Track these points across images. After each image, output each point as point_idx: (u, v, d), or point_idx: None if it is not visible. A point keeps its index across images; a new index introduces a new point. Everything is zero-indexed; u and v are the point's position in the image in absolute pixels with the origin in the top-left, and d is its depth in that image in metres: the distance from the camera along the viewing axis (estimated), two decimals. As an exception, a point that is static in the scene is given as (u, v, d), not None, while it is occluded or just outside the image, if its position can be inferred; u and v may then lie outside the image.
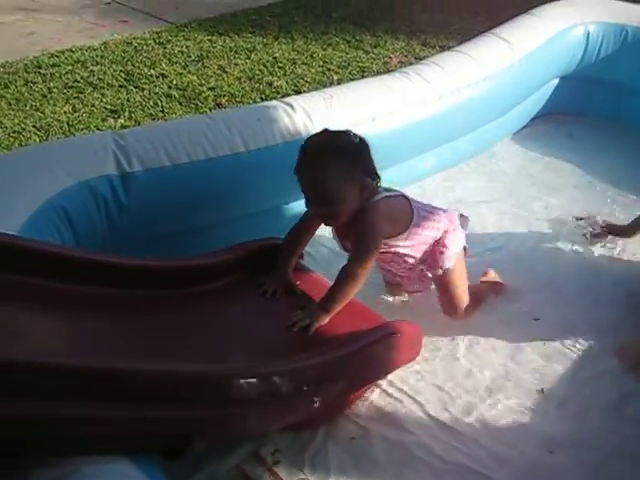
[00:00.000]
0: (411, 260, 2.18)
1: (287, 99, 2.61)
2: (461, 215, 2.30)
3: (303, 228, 2.13)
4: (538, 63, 3.22)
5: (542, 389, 2.11)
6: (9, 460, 1.32)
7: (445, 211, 2.25)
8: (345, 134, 1.99)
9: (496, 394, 2.10)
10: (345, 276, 1.95)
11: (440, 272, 2.20)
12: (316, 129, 2.47)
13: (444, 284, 2.25)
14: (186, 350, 1.72)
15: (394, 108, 2.72)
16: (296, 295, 2.03)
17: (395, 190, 2.15)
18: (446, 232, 2.19)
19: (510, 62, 3.09)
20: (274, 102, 2.59)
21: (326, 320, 1.90)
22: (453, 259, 2.20)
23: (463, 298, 2.27)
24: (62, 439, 1.37)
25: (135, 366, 1.45)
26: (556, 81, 3.53)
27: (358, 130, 2.56)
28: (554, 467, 1.90)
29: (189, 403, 1.47)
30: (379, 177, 2.04)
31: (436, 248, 2.18)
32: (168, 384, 1.44)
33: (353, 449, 1.94)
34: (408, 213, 2.12)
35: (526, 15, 3.43)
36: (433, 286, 2.31)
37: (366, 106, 2.66)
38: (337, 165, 1.89)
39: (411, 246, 2.14)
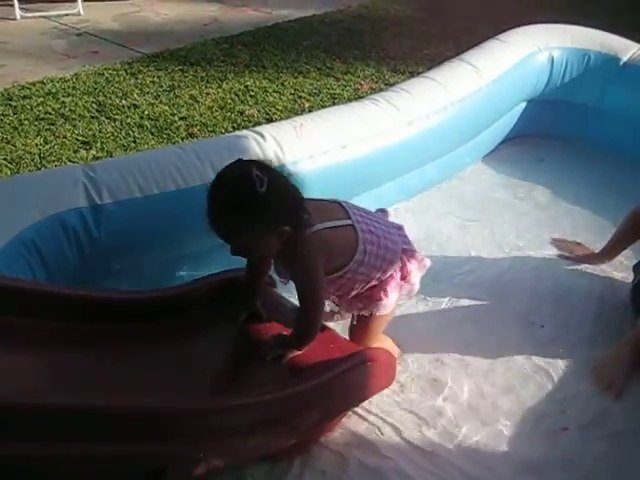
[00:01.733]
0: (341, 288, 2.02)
1: (257, 128, 2.63)
2: (422, 258, 2.10)
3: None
4: (505, 87, 3.29)
5: (518, 412, 2.12)
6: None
7: (405, 251, 2.05)
8: (248, 183, 1.64)
9: (472, 416, 2.10)
10: (304, 318, 1.87)
11: (368, 314, 2.06)
12: (287, 158, 2.52)
13: (364, 323, 2.10)
14: (156, 385, 1.71)
15: (364, 136, 2.75)
16: (262, 323, 1.98)
17: (345, 219, 1.93)
18: (392, 278, 2.02)
19: (478, 87, 3.15)
20: (245, 132, 2.61)
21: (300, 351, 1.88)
22: (389, 308, 2.05)
23: (374, 341, 2.12)
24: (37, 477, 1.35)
25: (101, 402, 1.44)
26: (523, 104, 3.59)
27: (328, 158, 2.63)
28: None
29: (160, 438, 1.46)
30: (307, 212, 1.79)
31: (376, 290, 2.02)
32: (139, 419, 1.42)
33: (330, 478, 1.92)
34: (349, 249, 1.92)
35: (492, 40, 3.51)
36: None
37: (336, 134, 2.68)
38: (240, 222, 1.68)
39: (344, 281, 1.97)
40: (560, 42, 3.53)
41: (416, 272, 2.07)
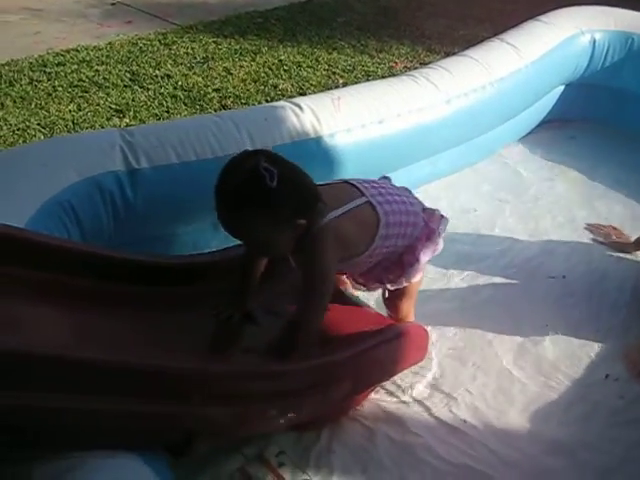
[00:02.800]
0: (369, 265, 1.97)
1: (295, 99, 2.61)
2: (441, 216, 2.05)
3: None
4: (545, 69, 3.22)
5: (547, 394, 2.10)
6: (15, 453, 1.31)
7: (424, 210, 2.02)
8: (257, 178, 1.57)
9: (501, 397, 2.09)
10: (307, 309, 1.75)
11: (403, 285, 2.01)
12: (324, 130, 2.49)
13: (398, 294, 2.07)
14: (188, 348, 1.71)
15: (401, 111, 2.71)
16: (256, 324, 1.87)
17: (360, 197, 1.85)
18: (419, 239, 1.96)
19: (517, 67, 3.09)
20: (282, 102, 2.59)
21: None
22: (421, 272, 2.01)
23: (409, 313, 2.13)
24: (67, 431, 1.35)
25: (142, 361, 1.44)
26: (561, 87, 3.53)
27: (365, 132, 2.61)
28: (560, 471, 1.89)
29: (193, 399, 1.46)
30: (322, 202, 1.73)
31: (406, 257, 1.96)
32: (172, 379, 1.42)
33: (357, 450, 1.93)
34: (370, 227, 1.85)
35: (533, 21, 3.44)
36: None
37: (373, 109, 2.65)
38: (254, 220, 1.61)
39: (373, 259, 1.92)
40: (603, 25, 3.45)
41: (438, 229, 2.01)
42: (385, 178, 2.10)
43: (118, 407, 1.37)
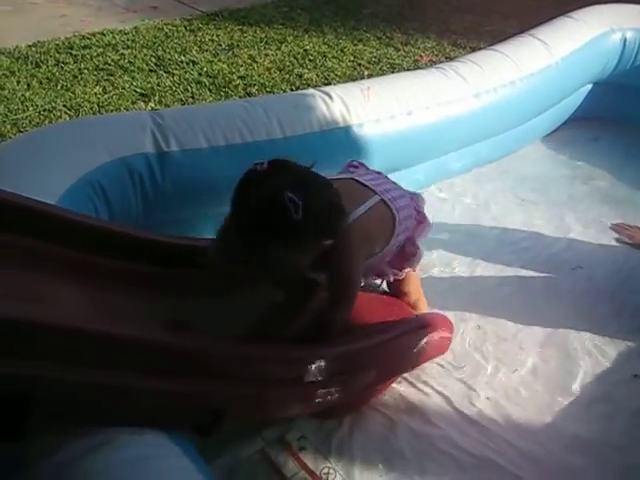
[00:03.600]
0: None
1: (325, 88, 2.60)
2: (418, 195, 2.01)
3: None
4: (574, 66, 3.20)
5: (570, 390, 2.09)
6: (47, 426, 1.31)
7: (411, 196, 1.96)
8: (282, 210, 1.45)
9: (523, 390, 2.08)
10: (331, 320, 1.70)
11: (404, 275, 1.99)
12: (353, 120, 2.49)
13: (402, 281, 2.03)
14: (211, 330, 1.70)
15: (430, 103, 2.70)
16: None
17: (373, 195, 1.80)
18: (415, 228, 1.95)
19: (547, 64, 3.07)
20: (312, 90, 2.59)
21: None
22: (421, 256, 1.98)
23: (420, 295, 2.12)
24: (97, 407, 1.36)
25: (172, 339, 1.44)
26: (589, 86, 3.50)
27: (393, 123, 2.60)
28: (580, 468, 1.88)
29: (224, 379, 1.46)
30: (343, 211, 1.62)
31: (407, 249, 1.94)
32: (203, 359, 1.43)
33: (378, 440, 1.93)
34: (387, 225, 1.82)
35: (563, 18, 3.41)
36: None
37: (403, 100, 2.64)
38: (271, 249, 1.50)
39: (386, 257, 1.90)
40: (635, 23, 3.41)
41: (423, 209, 1.99)
42: (361, 164, 2.05)
43: (148, 385, 1.37)
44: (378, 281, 2.09)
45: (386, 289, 2.14)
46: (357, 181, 1.85)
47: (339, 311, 1.70)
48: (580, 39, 3.25)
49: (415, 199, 1.96)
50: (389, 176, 2.01)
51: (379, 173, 1.98)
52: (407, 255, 1.95)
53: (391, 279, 2.01)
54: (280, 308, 1.70)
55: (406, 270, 1.99)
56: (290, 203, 1.44)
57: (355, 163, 2.01)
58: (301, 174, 1.56)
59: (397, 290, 2.09)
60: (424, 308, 2.16)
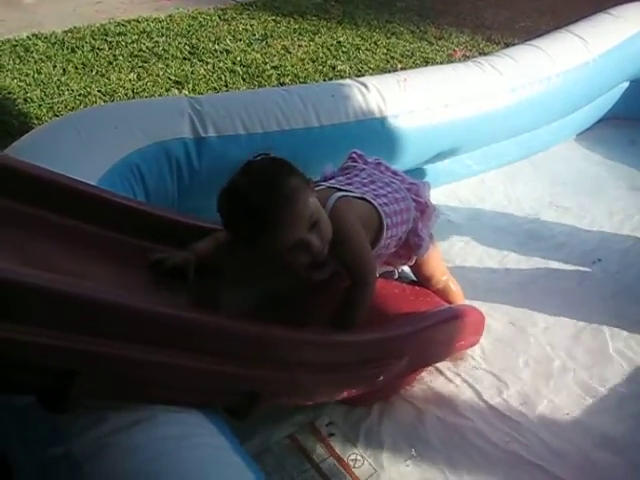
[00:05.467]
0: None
1: (361, 79, 2.61)
2: (423, 183, 1.97)
3: None
4: (612, 64, 3.17)
5: (601, 387, 2.08)
6: (89, 401, 1.34)
7: (409, 188, 1.91)
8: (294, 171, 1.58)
9: (554, 388, 2.07)
10: (356, 302, 1.71)
11: (413, 262, 1.98)
12: (389, 111, 2.49)
13: (420, 264, 2.01)
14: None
15: (466, 97, 2.70)
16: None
17: (354, 192, 1.78)
18: (416, 220, 1.90)
19: (584, 60, 3.05)
20: (348, 80, 2.60)
21: None
22: (429, 246, 1.94)
23: (441, 273, 2.07)
24: (135, 384, 1.37)
25: (208, 317, 1.45)
26: (626, 84, 3.47)
27: (429, 115, 2.60)
28: (609, 467, 1.87)
29: (257, 362, 1.48)
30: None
31: (411, 240, 1.91)
32: (245, 341, 1.45)
33: (407, 429, 1.94)
34: (376, 218, 1.78)
35: (602, 14, 3.38)
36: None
37: (439, 92, 2.64)
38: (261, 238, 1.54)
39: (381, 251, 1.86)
40: (675, 21, 3.37)
41: (428, 197, 1.95)
42: (359, 156, 1.99)
43: (188, 364, 1.39)
44: (393, 269, 2.04)
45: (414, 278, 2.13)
46: (332, 187, 1.80)
47: (360, 292, 1.71)
48: (619, 36, 3.22)
49: (414, 189, 1.92)
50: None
51: (378, 164, 1.95)
52: (411, 247, 1.92)
53: (399, 269, 2.01)
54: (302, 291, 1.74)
55: (415, 259, 1.96)
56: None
57: (354, 155, 1.98)
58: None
59: (419, 276, 2.07)
60: (455, 294, 2.12)
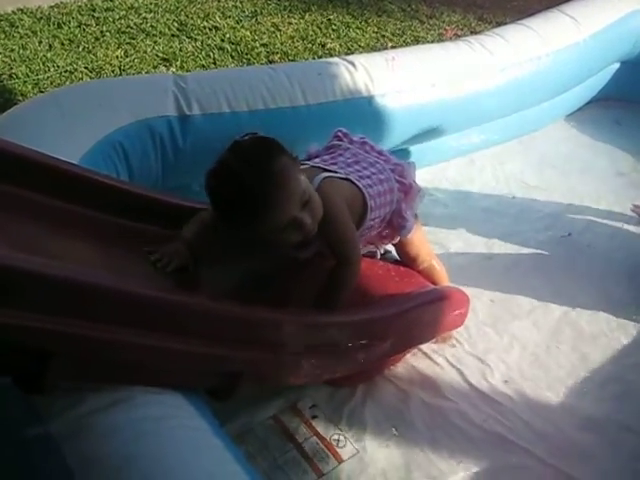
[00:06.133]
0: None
1: (349, 57, 2.58)
2: (408, 164, 1.94)
3: None
4: (603, 44, 3.15)
5: (584, 369, 2.09)
6: (66, 382, 1.33)
7: (393, 168, 1.88)
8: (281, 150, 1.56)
9: (537, 369, 2.08)
10: (341, 282, 1.71)
11: (396, 241, 1.97)
12: (376, 90, 2.47)
13: (404, 244, 2.00)
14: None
15: (455, 76, 2.68)
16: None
17: (338, 172, 1.76)
18: (399, 201, 1.87)
19: (575, 40, 3.02)
20: (336, 59, 2.56)
21: None
22: (412, 227, 1.91)
23: (426, 253, 2.05)
24: (113, 365, 1.36)
25: (188, 299, 1.44)
26: (617, 65, 3.45)
27: (416, 95, 2.57)
28: (592, 447, 1.89)
29: (240, 343, 1.47)
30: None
31: (395, 221, 1.88)
32: (228, 322, 1.44)
33: (390, 410, 1.94)
34: (360, 199, 1.76)
35: (594, -6, 3.35)
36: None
37: (427, 72, 2.62)
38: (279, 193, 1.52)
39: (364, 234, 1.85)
40: (667, 2, 3.35)
41: (413, 178, 1.92)
42: (344, 135, 1.96)
43: (163, 345, 1.37)
44: (376, 249, 2.02)
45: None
46: (320, 168, 1.78)
47: (344, 272, 1.70)
48: (610, 16, 3.19)
49: (399, 170, 1.89)
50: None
51: (364, 143, 1.92)
52: (395, 227, 1.90)
53: (381, 249, 1.99)
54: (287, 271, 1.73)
55: (399, 239, 1.95)
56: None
57: (339, 134, 1.95)
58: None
59: (403, 256, 2.05)
60: (440, 274, 2.10)
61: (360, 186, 1.76)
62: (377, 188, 1.80)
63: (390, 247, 2.05)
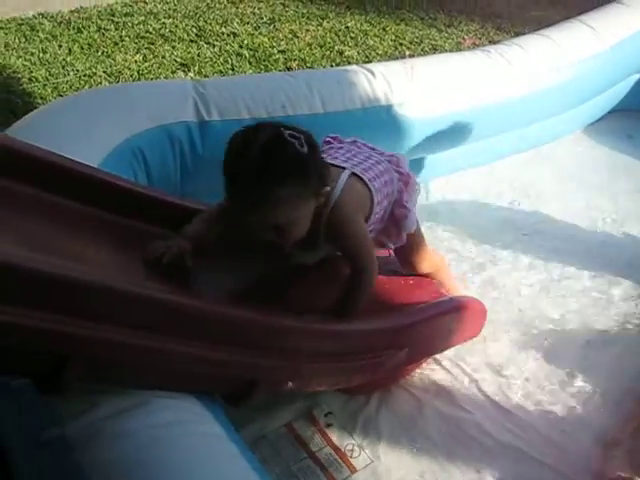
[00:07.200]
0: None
1: (368, 65, 2.58)
2: (403, 156, 1.92)
3: None
4: (623, 55, 3.13)
5: (599, 383, 2.06)
6: (82, 384, 1.33)
7: (389, 160, 1.86)
8: (288, 145, 1.45)
9: (554, 381, 2.06)
10: (357, 289, 1.68)
11: (404, 240, 1.89)
12: (396, 98, 2.46)
13: (405, 250, 1.96)
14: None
15: (474, 87, 2.67)
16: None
17: (342, 170, 1.70)
18: (400, 191, 1.84)
19: (595, 51, 3.00)
20: (355, 67, 2.56)
21: None
22: (415, 218, 1.88)
23: (428, 257, 2.01)
24: (128, 369, 1.36)
25: (205, 304, 1.44)
26: (637, 76, 3.42)
27: (435, 104, 2.57)
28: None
29: (262, 350, 1.46)
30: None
31: (397, 211, 1.83)
32: (245, 328, 1.43)
33: (405, 419, 1.93)
34: (368, 196, 1.72)
35: (615, 4, 3.33)
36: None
37: (446, 81, 2.61)
38: (286, 193, 1.45)
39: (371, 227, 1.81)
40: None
41: (408, 169, 1.89)
42: (334, 138, 1.93)
43: (184, 350, 1.37)
44: (389, 254, 2.01)
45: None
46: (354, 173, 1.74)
47: (360, 280, 1.68)
48: (631, 27, 3.17)
49: (395, 161, 1.86)
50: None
51: (354, 142, 1.89)
52: (397, 219, 1.85)
53: (392, 247, 1.94)
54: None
55: (404, 235, 1.89)
56: (292, 138, 1.44)
57: (328, 139, 1.92)
58: (282, 124, 1.53)
59: (406, 264, 2.00)
60: (449, 283, 2.09)
61: (366, 180, 1.72)
62: (379, 180, 1.76)
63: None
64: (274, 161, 1.43)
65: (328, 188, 1.56)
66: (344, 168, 1.71)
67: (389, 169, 1.82)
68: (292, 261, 1.71)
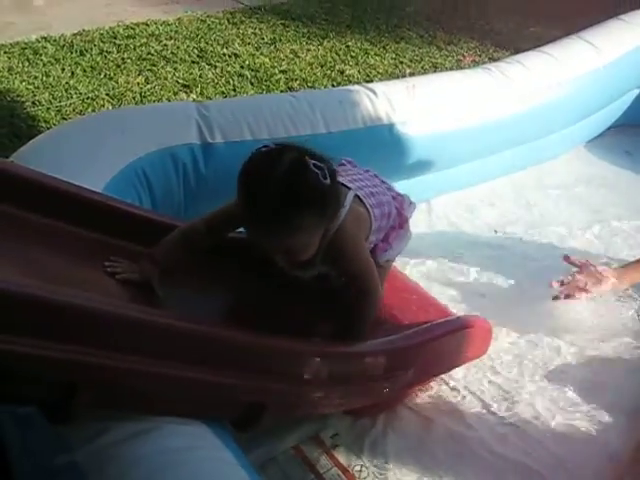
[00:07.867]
0: None
1: (370, 85, 2.60)
2: (410, 202, 1.92)
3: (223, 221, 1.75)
4: (623, 70, 3.15)
5: (610, 401, 2.05)
6: (91, 411, 1.33)
7: (394, 197, 1.86)
8: (312, 177, 1.44)
9: (562, 399, 2.04)
10: (363, 313, 1.70)
11: None
12: (397, 117, 2.47)
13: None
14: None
15: (475, 105, 2.69)
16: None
17: (348, 190, 1.69)
18: (393, 228, 1.85)
19: (595, 67, 3.02)
20: (357, 86, 2.58)
21: None
22: (394, 256, 1.90)
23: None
24: (136, 395, 1.36)
25: (217, 330, 1.44)
26: (637, 91, 3.44)
27: (437, 122, 2.58)
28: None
29: (269, 375, 1.46)
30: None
31: (380, 245, 1.84)
32: (249, 353, 1.43)
33: (412, 439, 1.91)
34: (368, 221, 1.73)
35: (614, 20, 3.36)
36: None
37: (447, 99, 2.62)
38: (304, 221, 1.47)
39: None
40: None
41: (409, 214, 1.90)
42: (349, 162, 1.92)
43: (189, 375, 1.37)
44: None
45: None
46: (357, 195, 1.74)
47: (365, 303, 1.69)
48: (631, 42, 3.19)
49: (399, 200, 1.87)
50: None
51: (367, 171, 1.89)
52: (376, 251, 1.83)
53: None
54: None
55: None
56: (317, 169, 1.44)
57: (343, 162, 1.91)
58: (306, 148, 1.53)
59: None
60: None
61: (367, 206, 1.72)
62: (379, 210, 1.76)
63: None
64: (297, 191, 1.44)
65: (340, 214, 1.58)
66: (349, 188, 1.71)
67: (390, 202, 1.83)
68: (283, 277, 1.70)
